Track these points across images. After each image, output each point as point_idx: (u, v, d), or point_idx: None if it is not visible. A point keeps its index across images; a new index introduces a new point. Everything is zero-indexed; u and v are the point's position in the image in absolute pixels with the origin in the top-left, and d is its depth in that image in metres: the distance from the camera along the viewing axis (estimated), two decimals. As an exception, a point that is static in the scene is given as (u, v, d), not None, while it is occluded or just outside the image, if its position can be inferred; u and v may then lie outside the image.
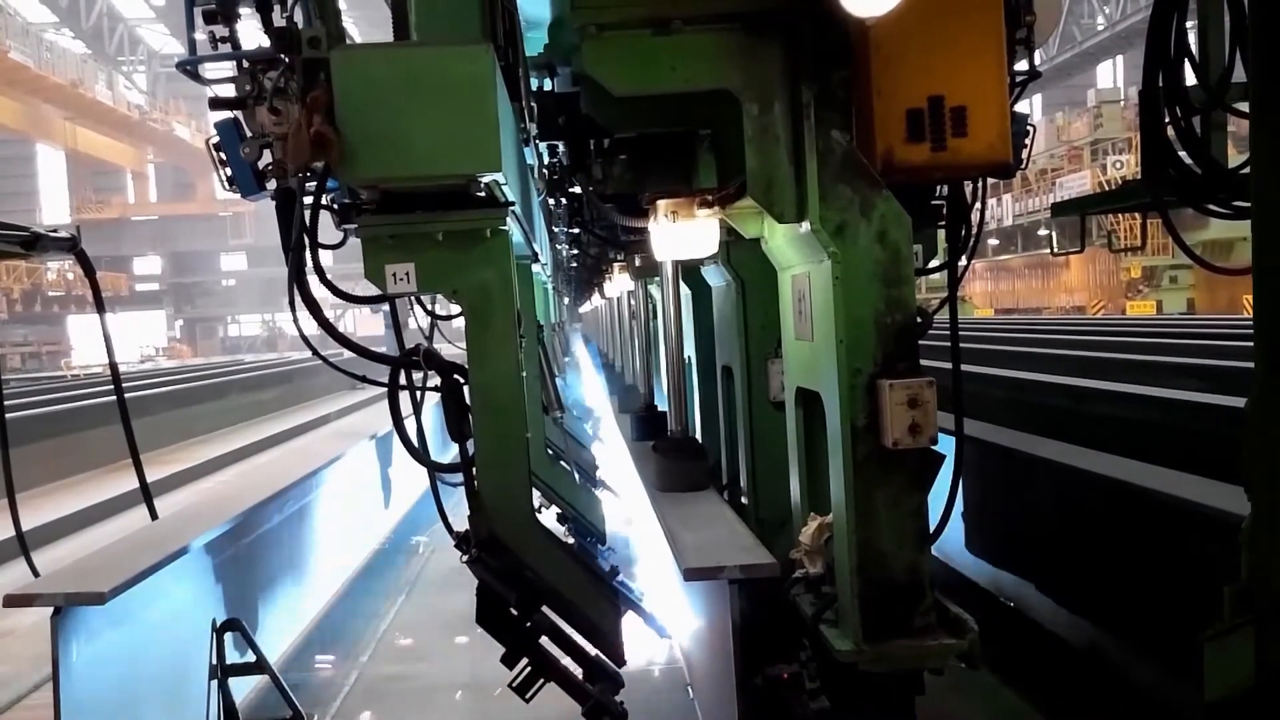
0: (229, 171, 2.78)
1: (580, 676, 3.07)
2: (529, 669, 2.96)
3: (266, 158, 2.71)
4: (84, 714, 3.27)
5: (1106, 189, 19.02)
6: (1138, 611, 3.91)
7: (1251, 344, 2.68)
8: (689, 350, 5.08)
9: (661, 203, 3.25)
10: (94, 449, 11.90)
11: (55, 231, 4.01)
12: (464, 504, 2.92)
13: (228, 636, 4.19)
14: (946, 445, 2.80)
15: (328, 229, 3.00)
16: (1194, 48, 3.49)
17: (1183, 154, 3.56)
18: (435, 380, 2.95)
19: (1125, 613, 4.03)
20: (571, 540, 5.24)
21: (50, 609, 3.20)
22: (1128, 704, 3.93)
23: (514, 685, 2.98)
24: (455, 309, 3.23)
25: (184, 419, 15.71)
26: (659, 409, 5.94)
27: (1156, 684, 3.77)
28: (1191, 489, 3.74)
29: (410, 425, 3.09)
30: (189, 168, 48.16)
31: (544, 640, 2.98)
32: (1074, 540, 4.41)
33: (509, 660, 2.95)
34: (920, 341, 2.79)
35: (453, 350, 3.16)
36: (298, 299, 2.70)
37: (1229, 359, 7.79)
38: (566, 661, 3.09)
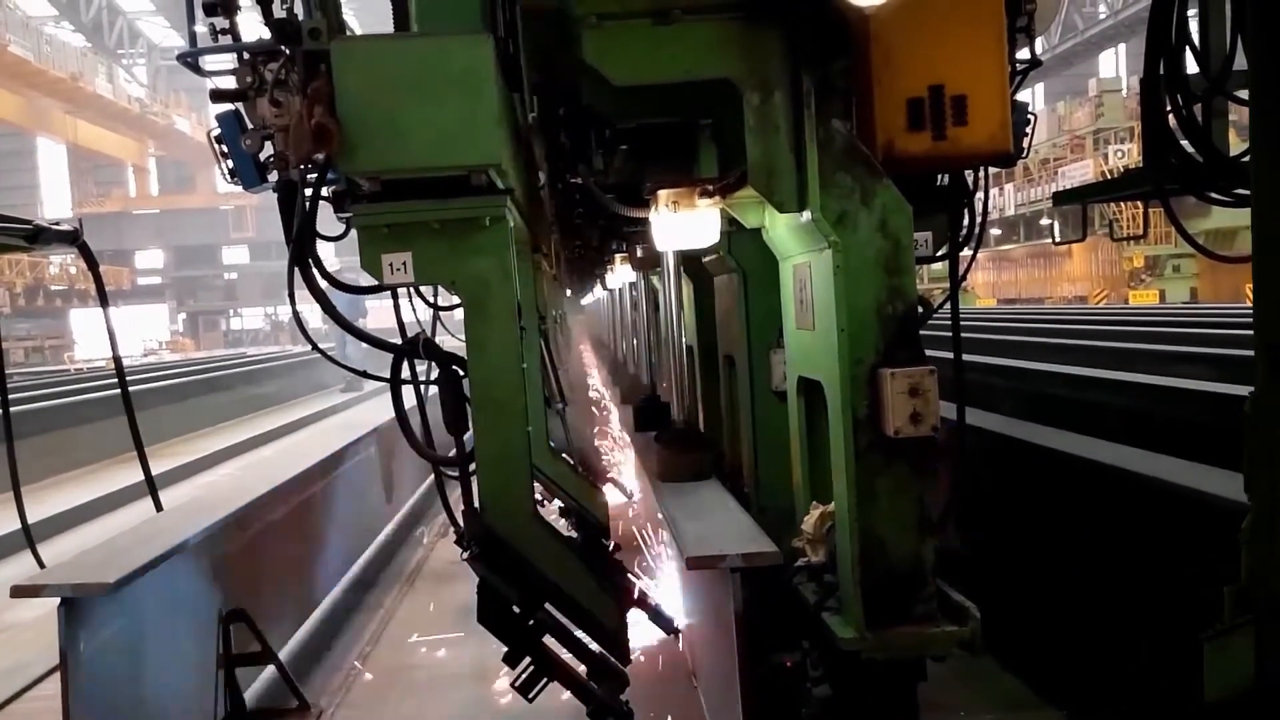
0: (231, 164, 2.80)
1: (585, 675, 3.05)
2: (532, 668, 2.93)
3: (268, 149, 2.71)
4: (92, 704, 3.28)
5: (1109, 178, 18.94)
6: (1111, 585, 3.93)
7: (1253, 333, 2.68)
8: (691, 340, 5.09)
9: (662, 193, 3.25)
10: (98, 442, 11.92)
11: (57, 224, 4.03)
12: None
13: (234, 627, 4.22)
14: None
15: (331, 221, 3.01)
16: (1195, 35, 3.48)
17: (1184, 142, 3.56)
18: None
19: (1097, 583, 4.05)
20: (574, 535, 5.25)
21: (57, 600, 3.22)
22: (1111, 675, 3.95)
23: (517, 685, 2.94)
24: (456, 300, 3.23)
25: (186, 412, 15.71)
26: (661, 399, 5.95)
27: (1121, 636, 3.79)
28: (1181, 474, 3.75)
29: (415, 418, 3.09)
30: (190, 161, 48.12)
31: (547, 639, 2.95)
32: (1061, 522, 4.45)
33: (512, 659, 2.92)
34: (922, 332, 2.79)
35: (456, 343, 3.16)
36: (305, 290, 2.71)
37: (1233, 347, 7.77)
38: (571, 660, 3.06)
